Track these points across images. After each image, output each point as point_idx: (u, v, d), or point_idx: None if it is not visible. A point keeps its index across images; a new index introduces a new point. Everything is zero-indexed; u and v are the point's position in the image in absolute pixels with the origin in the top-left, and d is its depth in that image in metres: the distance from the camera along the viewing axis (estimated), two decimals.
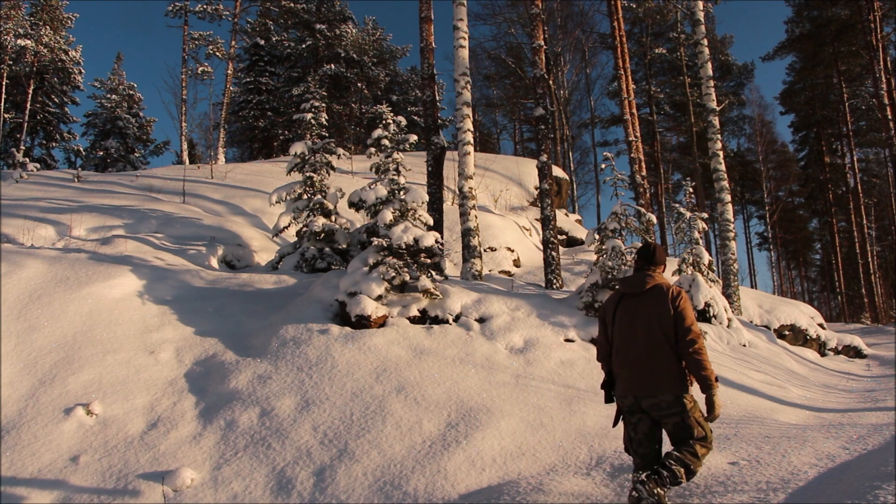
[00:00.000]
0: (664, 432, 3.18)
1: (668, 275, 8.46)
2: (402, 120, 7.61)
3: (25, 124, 21.58)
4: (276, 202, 8.69)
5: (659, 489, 2.90)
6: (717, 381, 3.06)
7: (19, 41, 20.40)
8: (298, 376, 5.16)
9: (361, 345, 5.59)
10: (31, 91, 21.88)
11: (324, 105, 9.28)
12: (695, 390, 3.14)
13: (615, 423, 3.31)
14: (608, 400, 3.36)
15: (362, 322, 5.93)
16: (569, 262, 12.60)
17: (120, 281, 6.46)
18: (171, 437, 4.49)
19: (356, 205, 7.76)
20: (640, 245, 3.43)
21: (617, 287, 3.42)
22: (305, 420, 4.62)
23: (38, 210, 9.84)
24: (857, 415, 5.41)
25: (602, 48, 27.10)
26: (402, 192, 6.85)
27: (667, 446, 3.24)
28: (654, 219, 7.98)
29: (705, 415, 3.09)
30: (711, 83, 12.22)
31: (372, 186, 7.41)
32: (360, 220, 9.92)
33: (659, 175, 26.37)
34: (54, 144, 24.65)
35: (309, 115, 8.89)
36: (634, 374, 3.13)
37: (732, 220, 12.02)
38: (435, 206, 9.32)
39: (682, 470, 2.96)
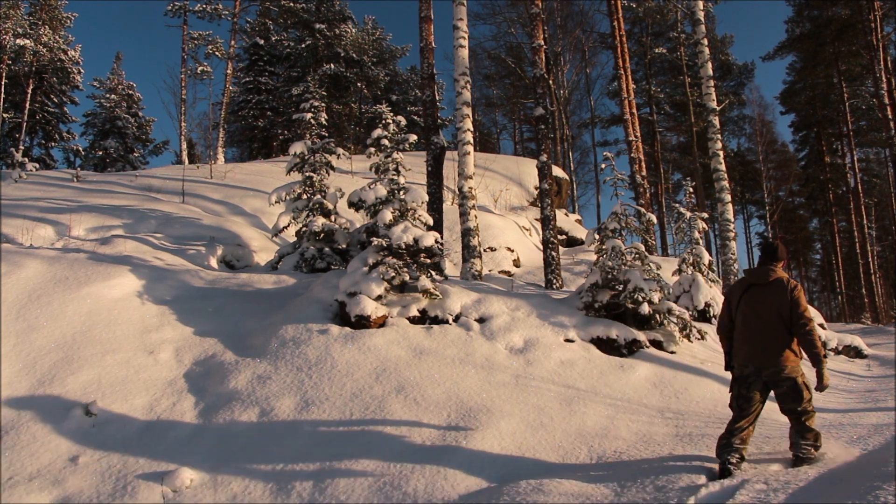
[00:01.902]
0: (772, 394, 3.86)
1: (668, 275, 8.46)
2: (402, 120, 7.60)
3: (24, 124, 21.57)
4: (276, 202, 8.68)
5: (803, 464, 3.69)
6: (825, 358, 3.79)
7: (18, 41, 20.39)
8: (298, 376, 5.15)
9: (361, 345, 5.58)
10: (30, 91, 21.88)
11: (323, 105, 9.27)
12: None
13: (731, 389, 3.97)
14: (728, 367, 4.03)
15: (362, 322, 5.92)
16: (569, 262, 12.59)
17: (119, 281, 6.45)
18: (170, 438, 4.48)
19: (356, 205, 7.75)
20: (764, 244, 4.11)
21: (743, 277, 4.14)
22: (305, 420, 4.60)
23: (38, 210, 9.83)
24: (857, 415, 5.41)
25: (602, 48, 27.10)
26: (401, 192, 6.84)
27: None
28: (654, 219, 7.97)
29: (813, 388, 3.78)
30: (711, 83, 12.20)
31: (372, 186, 7.40)
32: (359, 220, 9.91)
33: (659, 175, 26.36)
34: (53, 144, 24.65)
35: (308, 115, 8.88)
36: (757, 348, 3.80)
37: (733, 219, 12.00)
38: (435, 206, 9.32)
39: (815, 451, 3.76)
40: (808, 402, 3.75)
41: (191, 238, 9.41)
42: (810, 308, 4.02)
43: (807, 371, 3.97)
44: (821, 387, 3.73)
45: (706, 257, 9.05)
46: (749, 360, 3.84)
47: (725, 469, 3.66)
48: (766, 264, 3.95)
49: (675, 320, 6.57)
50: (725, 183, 11.85)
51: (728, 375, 4.15)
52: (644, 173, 15.12)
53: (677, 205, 11.90)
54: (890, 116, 19.02)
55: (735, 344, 3.97)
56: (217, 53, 21.69)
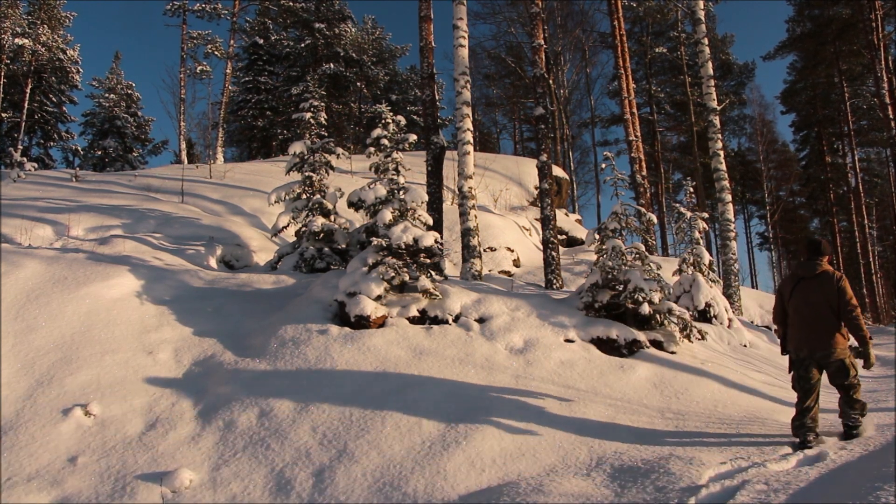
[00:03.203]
0: (825, 374, 4.37)
1: (669, 275, 8.46)
2: (402, 119, 7.58)
3: (23, 123, 21.55)
4: (275, 202, 8.67)
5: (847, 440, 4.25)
6: (871, 339, 4.31)
7: (17, 40, 20.39)
8: (297, 377, 5.14)
9: (361, 345, 5.57)
10: (28, 90, 21.85)
11: (323, 104, 9.25)
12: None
13: (790, 371, 4.52)
14: (784, 352, 4.60)
15: (361, 322, 5.91)
16: (569, 262, 12.59)
17: (118, 281, 6.43)
18: (169, 438, 4.47)
19: (355, 204, 7.73)
20: (810, 241, 4.54)
21: (792, 271, 4.62)
22: (304, 420, 4.59)
23: (36, 210, 9.82)
24: None
25: (602, 47, 27.09)
26: (401, 192, 6.83)
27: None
28: (654, 218, 7.96)
29: (858, 366, 4.34)
30: (712, 82, 12.18)
31: (371, 186, 7.39)
32: (359, 219, 9.90)
33: (659, 175, 26.34)
34: (52, 144, 24.64)
35: (308, 115, 8.86)
36: (809, 334, 4.31)
37: (733, 219, 11.98)
38: (434, 206, 9.30)
39: (861, 418, 4.33)
40: (854, 377, 4.28)
41: (190, 238, 9.40)
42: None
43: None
44: (867, 365, 4.28)
45: (706, 257, 9.05)
46: (803, 345, 4.35)
47: (805, 443, 4.19)
48: (812, 259, 4.41)
49: (675, 320, 6.56)
50: (726, 183, 11.83)
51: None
52: (644, 173, 15.11)
53: (677, 205, 11.89)
54: (891, 116, 19.02)
55: (789, 331, 4.49)
56: (216, 53, 21.67)
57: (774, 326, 10.42)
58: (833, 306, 4.23)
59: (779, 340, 4.75)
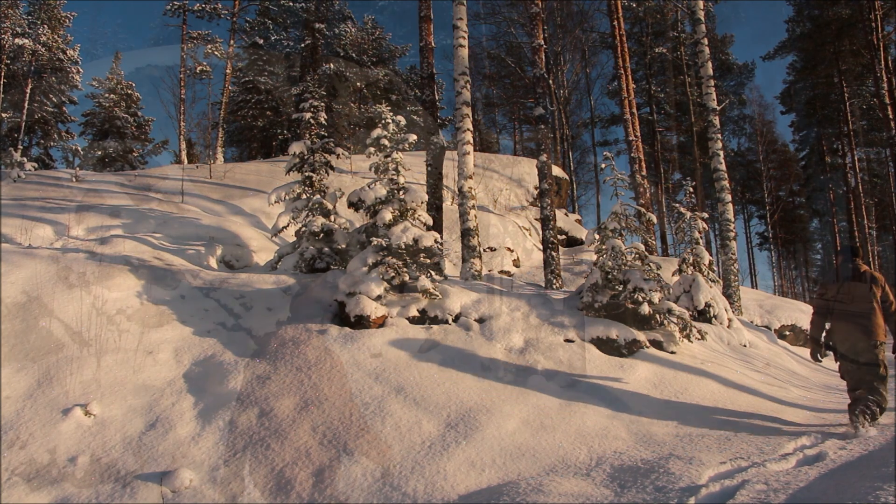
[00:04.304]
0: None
1: (668, 275, 8.47)
2: (402, 119, 7.58)
3: (23, 123, 21.54)
4: (275, 202, 8.66)
5: (864, 419, 4.54)
6: None
7: (17, 40, 20.39)
8: (297, 377, 5.15)
9: (360, 345, 5.58)
10: (28, 90, 21.85)
11: (323, 104, 9.25)
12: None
13: (835, 360, 4.98)
14: (827, 347, 4.97)
15: (361, 322, 5.91)
16: (569, 262, 12.59)
17: (118, 281, 6.44)
18: (169, 438, 4.47)
19: (355, 205, 7.73)
20: (848, 246, 5.06)
21: (834, 273, 5.03)
22: (304, 420, 4.60)
23: (36, 210, 9.82)
24: None
25: (602, 47, 27.05)
26: (401, 192, 6.83)
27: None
28: (654, 218, 7.97)
29: (889, 368, 4.75)
30: (712, 82, 12.18)
31: (371, 186, 7.39)
32: (359, 219, 9.89)
33: (659, 175, 26.32)
34: (52, 144, 24.62)
35: (308, 115, 8.86)
36: (852, 329, 4.76)
37: (733, 219, 11.98)
38: (434, 206, 9.31)
39: (878, 409, 4.63)
40: (881, 380, 4.67)
41: (190, 238, 9.39)
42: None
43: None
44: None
45: (706, 257, 9.05)
46: (847, 338, 4.78)
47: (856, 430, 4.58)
48: (851, 261, 4.88)
49: (675, 320, 6.56)
50: (726, 183, 11.83)
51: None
52: (644, 173, 15.11)
53: (677, 204, 11.88)
54: (891, 116, 19.02)
55: (835, 325, 4.90)
56: (216, 53, 21.67)
57: (776, 327, 10.50)
58: (875, 303, 4.70)
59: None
